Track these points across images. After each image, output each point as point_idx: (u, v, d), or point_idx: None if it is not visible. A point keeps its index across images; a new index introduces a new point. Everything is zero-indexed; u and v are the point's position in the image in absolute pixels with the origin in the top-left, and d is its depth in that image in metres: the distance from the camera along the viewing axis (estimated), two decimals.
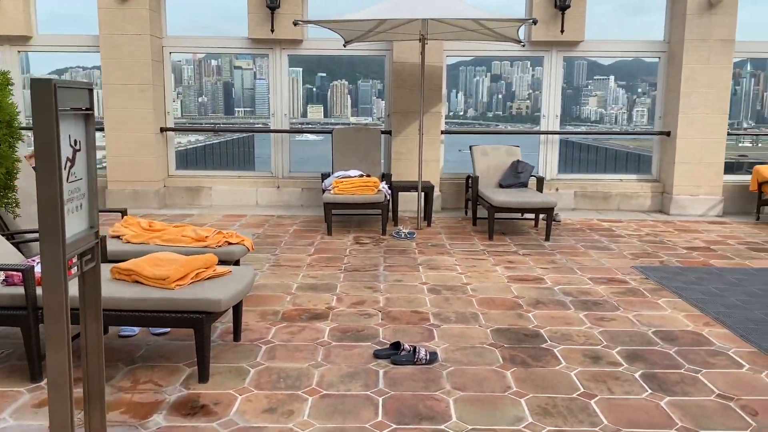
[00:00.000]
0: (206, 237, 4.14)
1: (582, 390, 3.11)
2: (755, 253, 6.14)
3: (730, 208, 8.44)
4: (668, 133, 8.39)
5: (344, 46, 7.66)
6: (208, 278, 3.34)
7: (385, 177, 7.51)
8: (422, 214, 7.29)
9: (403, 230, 6.79)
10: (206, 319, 3.10)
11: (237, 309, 3.63)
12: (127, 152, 8.24)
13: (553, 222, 7.55)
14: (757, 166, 8.09)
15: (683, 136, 8.17)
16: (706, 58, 8.01)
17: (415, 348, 3.43)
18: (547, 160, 8.67)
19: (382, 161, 8.56)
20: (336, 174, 7.09)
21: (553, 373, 3.30)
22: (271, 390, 3.07)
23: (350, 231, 6.96)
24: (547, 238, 6.59)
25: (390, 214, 7.45)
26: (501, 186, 7.59)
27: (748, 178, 8.55)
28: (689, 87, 8.08)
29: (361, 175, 6.84)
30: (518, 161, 7.69)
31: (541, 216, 7.44)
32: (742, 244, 6.55)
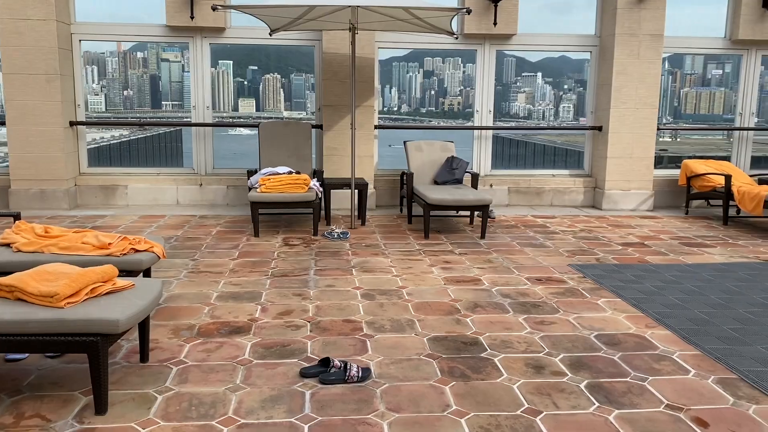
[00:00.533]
0: (109, 244, 3.68)
1: (526, 405, 2.87)
2: (688, 248, 6.14)
3: (660, 203, 8.53)
4: (600, 128, 8.39)
5: (270, 35, 7.24)
6: (107, 294, 2.91)
7: (317, 174, 7.15)
8: (356, 213, 6.98)
9: (336, 230, 6.45)
10: (102, 343, 2.68)
11: (143, 326, 3.20)
12: (32, 148, 7.54)
13: (488, 219, 7.39)
14: (686, 161, 8.19)
15: (615, 130, 8.17)
16: (636, 53, 8.03)
17: (346, 364, 3.11)
18: (481, 156, 8.51)
19: (313, 157, 8.20)
20: (263, 171, 6.68)
21: (495, 386, 3.06)
22: (180, 421, 2.68)
23: (279, 232, 6.57)
24: (483, 236, 6.40)
25: (322, 213, 7.10)
26: (436, 183, 7.36)
27: (676, 172, 8.66)
28: (620, 81, 8.08)
29: (290, 172, 6.46)
30: (453, 157, 7.48)
31: (477, 213, 7.26)
32: (675, 238, 6.55)
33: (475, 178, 7.27)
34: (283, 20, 6.94)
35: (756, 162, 9.04)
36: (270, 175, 6.48)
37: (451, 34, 6.96)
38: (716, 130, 12.18)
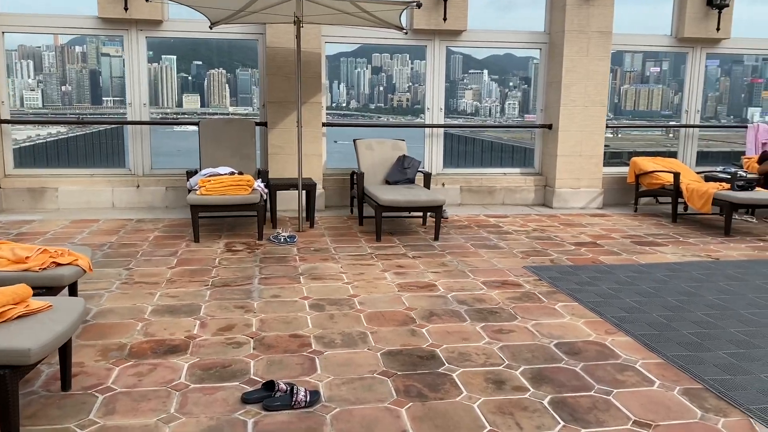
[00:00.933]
0: (27, 258, 3.30)
1: (488, 428, 2.67)
2: (640, 247, 6.09)
3: (609, 200, 8.53)
4: (550, 126, 8.33)
5: (210, 28, 6.86)
6: (19, 317, 2.57)
7: (261, 174, 6.82)
8: (304, 215, 6.69)
9: (283, 234, 6.15)
10: (10, 376, 2.34)
11: (64, 350, 2.86)
12: None
13: (441, 219, 7.23)
14: (635, 158, 8.21)
15: (564, 128, 8.12)
16: (585, 50, 7.99)
17: (292, 388, 2.84)
18: (433, 154, 8.33)
19: (258, 156, 7.86)
20: (203, 172, 6.31)
21: (454, 406, 2.85)
22: None
23: (221, 236, 6.22)
24: (437, 238, 6.21)
25: (268, 215, 6.78)
26: (387, 182, 7.14)
27: (624, 170, 8.68)
28: (570, 79, 8.03)
29: (232, 173, 6.11)
30: (404, 156, 7.27)
31: (430, 214, 7.07)
32: (627, 237, 6.52)
33: (427, 177, 7.08)
34: (223, 12, 6.57)
35: (702, 158, 9.16)
36: (210, 176, 6.12)
37: (401, 29, 6.73)
38: (664, 127, 12.37)
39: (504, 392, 3.00)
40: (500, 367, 3.28)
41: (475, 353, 3.45)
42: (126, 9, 7.13)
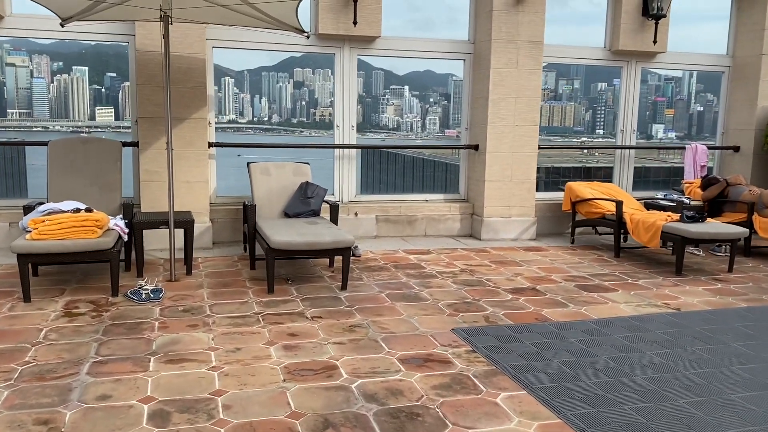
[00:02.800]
0: None
1: None
2: (587, 293, 5.12)
3: (542, 229, 7.62)
4: (476, 147, 7.33)
5: (61, 25, 5.43)
6: None
7: (125, 209, 5.41)
8: (181, 258, 5.34)
9: (147, 287, 4.78)
10: None
11: None
12: None
13: (352, 257, 6.05)
14: (570, 183, 7.33)
15: (493, 149, 7.14)
16: (514, 61, 7.06)
17: None
18: (344, 178, 7.16)
19: (131, 183, 6.46)
20: (41, 208, 4.85)
21: None
22: None
23: (66, 291, 4.79)
24: (344, 287, 5.02)
25: (134, 259, 5.39)
26: (287, 215, 5.90)
27: (557, 195, 7.81)
28: (498, 94, 7.06)
29: (78, 210, 4.69)
30: (308, 183, 6.06)
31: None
32: (569, 279, 5.54)
33: (335, 209, 5.87)
34: (74, 6, 5.17)
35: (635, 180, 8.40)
36: (50, 213, 4.69)
37: (301, 31, 5.54)
38: (599, 148, 11.72)
39: None
40: None
41: None
42: None
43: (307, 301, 4.70)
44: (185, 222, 5.29)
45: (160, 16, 4.94)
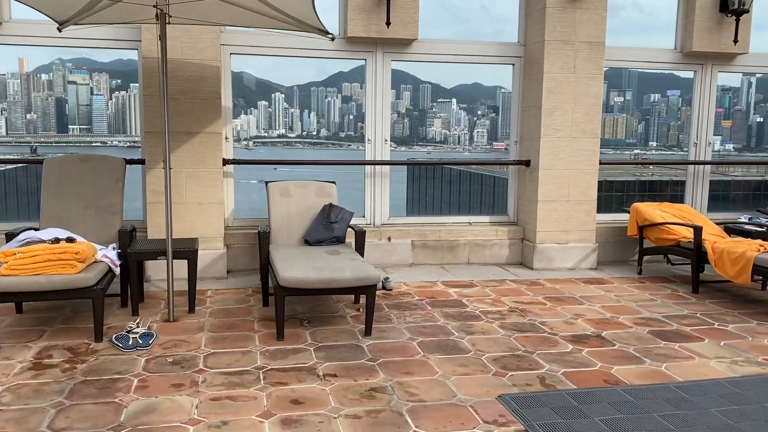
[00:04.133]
0: None
1: None
2: (665, 344, 4.17)
3: (603, 256, 6.66)
4: (527, 163, 6.45)
5: (59, 29, 4.84)
6: None
7: (122, 236, 4.73)
8: (184, 293, 4.64)
9: (137, 329, 4.08)
10: None
11: None
12: None
13: (382, 290, 5.25)
14: (637, 205, 6.35)
15: (547, 166, 6.25)
16: (571, 66, 6.17)
17: None
18: (376, 199, 6.37)
19: (140, 205, 5.84)
20: (21, 236, 4.22)
21: None
22: None
23: (46, 333, 4.13)
24: (368, 332, 4.21)
25: (129, 295, 4.71)
26: (307, 242, 5.14)
27: (619, 217, 6.85)
28: (553, 102, 6.18)
29: (57, 240, 4.03)
30: (331, 205, 5.29)
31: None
32: (641, 323, 4.59)
33: (360, 236, 5.07)
34: (68, 8, 4.57)
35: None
36: (27, 243, 4.05)
37: (325, 33, 4.79)
38: (671, 164, 10.63)
39: None
40: None
41: None
42: None
43: (322, 351, 3.90)
44: (187, 252, 4.58)
45: (156, 14, 4.26)
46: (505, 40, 6.56)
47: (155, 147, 5.47)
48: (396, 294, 5.28)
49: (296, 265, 4.21)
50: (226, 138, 5.94)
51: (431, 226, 6.47)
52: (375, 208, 6.37)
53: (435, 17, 6.33)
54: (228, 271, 5.91)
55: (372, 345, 4.02)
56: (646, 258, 6.42)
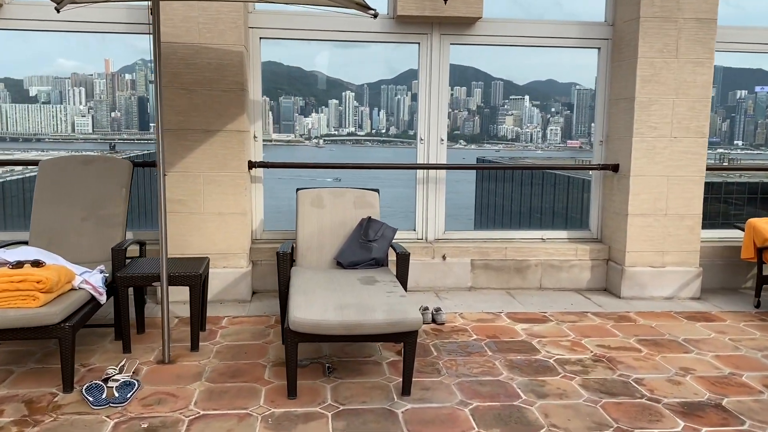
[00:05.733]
0: None
1: None
2: None
3: (707, 282, 5.43)
4: (615, 168, 5.30)
5: (57, 10, 4.10)
6: None
7: (115, 255, 3.93)
8: (182, 328, 3.81)
9: (118, 375, 3.27)
10: None
11: None
12: None
13: (432, 323, 4.28)
14: (753, 221, 5.09)
15: (640, 171, 5.09)
16: (673, 48, 4.98)
17: None
18: (429, 208, 5.38)
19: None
20: None
21: None
22: None
23: (9, 378, 3.37)
24: (406, 391, 3.23)
25: (123, 323, 3.91)
26: (339, 264, 4.22)
27: (728, 234, 5.60)
28: (649, 93, 5.01)
29: (19, 264, 3.24)
30: (370, 220, 4.35)
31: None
32: None
33: (403, 261, 4.07)
34: None
35: None
36: None
37: (366, 9, 3.85)
38: None
39: None
40: None
41: None
42: None
43: (343, 418, 2.96)
44: (188, 277, 3.73)
45: None
46: (588, 19, 5.43)
47: (172, 147, 4.67)
48: (449, 330, 4.28)
49: (316, 300, 3.28)
50: (255, 137, 5.10)
51: (495, 242, 5.43)
52: (427, 220, 5.38)
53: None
54: (254, 293, 5.07)
55: (409, 412, 3.04)
56: (766, 286, 5.16)
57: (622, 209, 5.21)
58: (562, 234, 5.64)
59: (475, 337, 4.14)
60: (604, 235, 5.52)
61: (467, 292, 5.25)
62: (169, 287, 3.84)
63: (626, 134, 5.14)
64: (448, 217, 5.47)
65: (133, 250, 4.37)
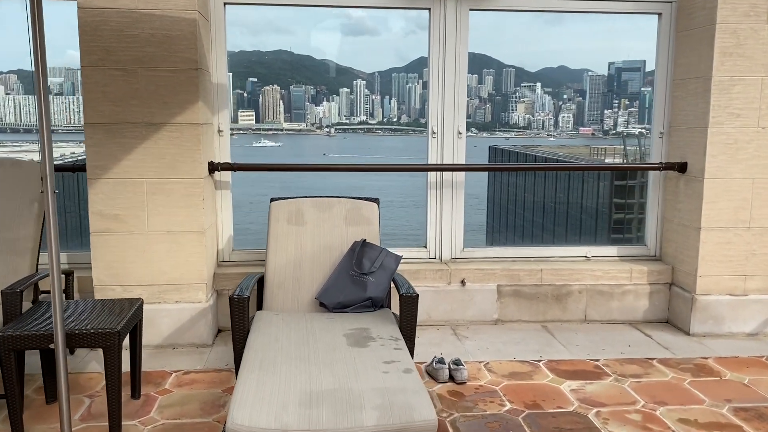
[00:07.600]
0: None
1: None
2: None
3: None
4: (682, 167, 4.12)
5: None
6: None
7: (7, 299, 2.83)
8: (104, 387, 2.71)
9: None
10: None
11: None
12: None
13: (450, 381, 3.15)
14: None
15: (716, 173, 3.91)
16: (764, 11, 3.79)
17: None
18: (443, 220, 4.24)
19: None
20: None
21: None
22: None
23: None
24: None
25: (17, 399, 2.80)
26: (323, 306, 3.09)
27: None
28: (729, 71, 3.83)
29: None
30: (364, 243, 3.21)
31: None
32: None
33: (409, 305, 2.92)
34: None
35: None
36: None
37: None
38: None
39: None
40: None
41: None
42: None
43: None
44: (100, 336, 2.61)
45: None
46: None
47: (101, 146, 3.55)
48: (472, 393, 3.15)
49: (273, 384, 2.16)
50: (220, 131, 3.98)
51: (528, 262, 4.28)
52: (442, 235, 4.24)
53: None
54: (219, 331, 3.97)
55: None
56: None
57: (691, 221, 4.04)
58: (611, 250, 4.48)
59: (508, 407, 3.00)
60: (664, 252, 4.36)
61: (493, 326, 4.12)
62: (77, 349, 2.74)
63: (698, 124, 3.96)
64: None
65: (46, 285, 3.27)
